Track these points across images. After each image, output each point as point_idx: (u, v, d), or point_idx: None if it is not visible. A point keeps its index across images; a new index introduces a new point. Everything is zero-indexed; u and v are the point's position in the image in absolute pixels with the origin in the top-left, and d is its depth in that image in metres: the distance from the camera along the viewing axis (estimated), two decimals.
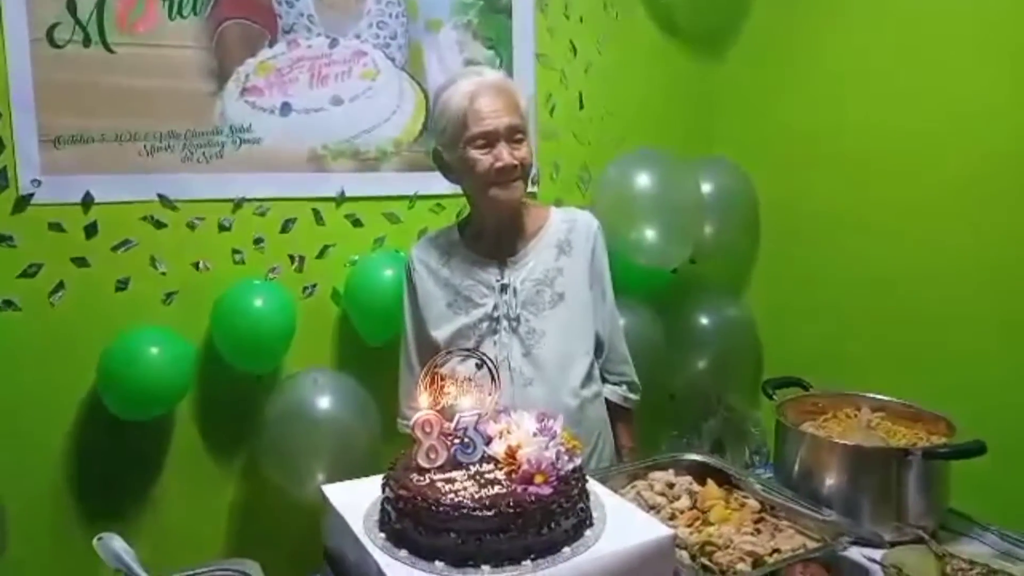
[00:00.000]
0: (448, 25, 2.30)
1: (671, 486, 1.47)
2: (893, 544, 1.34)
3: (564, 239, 1.73)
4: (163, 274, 2.04)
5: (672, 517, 1.39)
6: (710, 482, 1.47)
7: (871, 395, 1.65)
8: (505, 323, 1.67)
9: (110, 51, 1.91)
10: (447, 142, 1.64)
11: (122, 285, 2.00)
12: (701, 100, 2.71)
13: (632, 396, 1.85)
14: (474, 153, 1.60)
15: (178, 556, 1.54)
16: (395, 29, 2.23)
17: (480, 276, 1.70)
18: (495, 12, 2.36)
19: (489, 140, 1.59)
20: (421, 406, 1.15)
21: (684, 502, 1.43)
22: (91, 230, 1.95)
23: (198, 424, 2.12)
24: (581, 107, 2.54)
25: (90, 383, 1.94)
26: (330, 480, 1.35)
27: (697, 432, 2.63)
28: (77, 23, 1.88)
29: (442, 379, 1.20)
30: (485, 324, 1.67)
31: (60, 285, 1.94)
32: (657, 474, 1.52)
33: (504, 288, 1.67)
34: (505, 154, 1.59)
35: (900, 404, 1.61)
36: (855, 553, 1.32)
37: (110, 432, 1.98)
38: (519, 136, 1.61)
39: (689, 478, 1.50)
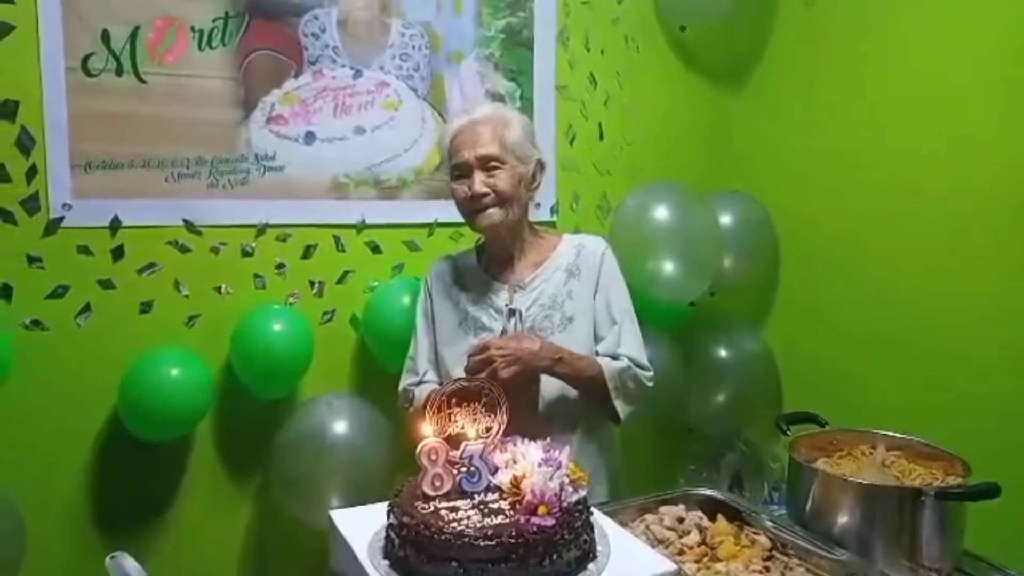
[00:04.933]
0: (470, 57, 2.34)
1: (681, 520, 1.46)
2: None
3: (573, 263, 1.77)
4: (186, 297, 2.08)
5: (680, 552, 1.38)
6: (720, 518, 1.46)
7: (888, 433, 1.62)
8: None
9: (141, 81, 1.97)
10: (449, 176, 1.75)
11: (146, 308, 2.04)
12: (720, 132, 2.72)
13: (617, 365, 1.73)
14: (454, 184, 1.72)
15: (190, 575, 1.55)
16: (418, 61, 2.27)
17: (491, 300, 1.75)
18: (517, 45, 2.40)
19: (463, 171, 1.69)
20: (426, 434, 1.16)
21: (693, 537, 1.42)
22: (118, 253, 2.00)
23: (216, 446, 2.15)
24: (601, 138, 2.56)
25: (112, 402, 1.97)
26: (344, 507, 1.34)
27: (715, 466, 2.60)
28: (110, 53, 1.94)
29: (449, 407, 1.20)
30: None
31: (87, 307, 1.98)
32: (667, 508, 1.50)
33: (512, 312, 1.72)
34: (476, 183, 1.66)
35: (918, 442, 1.58)
36: None
37: (130, 451, 2.01)
38: (494, 164, 1.67)
39: (700, 513, 1.49)
